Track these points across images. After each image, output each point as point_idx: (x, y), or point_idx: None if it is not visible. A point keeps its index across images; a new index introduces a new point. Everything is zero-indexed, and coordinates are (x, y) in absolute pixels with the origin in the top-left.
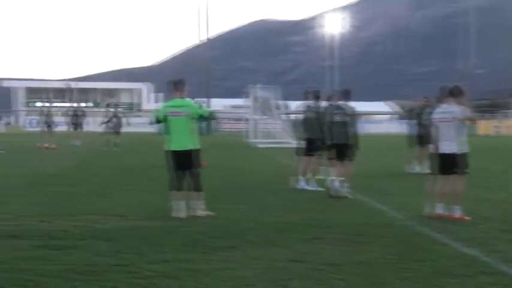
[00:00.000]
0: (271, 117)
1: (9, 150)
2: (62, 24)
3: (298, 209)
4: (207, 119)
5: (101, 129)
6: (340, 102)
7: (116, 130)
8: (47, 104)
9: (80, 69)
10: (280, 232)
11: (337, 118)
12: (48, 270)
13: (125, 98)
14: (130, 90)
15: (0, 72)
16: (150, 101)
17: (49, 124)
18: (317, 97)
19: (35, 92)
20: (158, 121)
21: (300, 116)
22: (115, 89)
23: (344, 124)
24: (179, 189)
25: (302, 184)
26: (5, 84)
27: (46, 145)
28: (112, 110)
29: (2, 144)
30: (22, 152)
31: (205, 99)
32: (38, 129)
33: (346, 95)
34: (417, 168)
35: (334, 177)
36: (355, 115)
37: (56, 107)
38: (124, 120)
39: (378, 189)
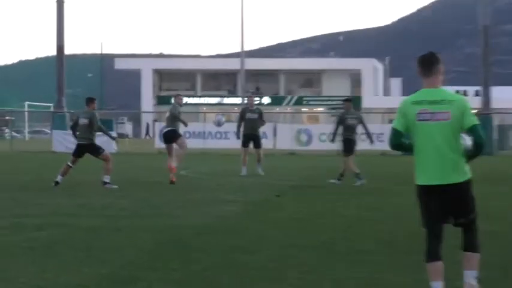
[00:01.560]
0: None
1: (128, 184)
2: None
3: None
4: (478, 143)
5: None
6: None
7: (348, 148)
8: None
9: (249, 40)
10: None
11: None
12: None
13: (331, 87)
14: (340, 73)
15: (110, 47)
16: (378, 91)
17: (169, 133)
18: None
19: (171, 78)
20: (397, 139)
21: None
22: (312, 71)
23: None
24: (438, 257)
25: None
26: (119, 65)
27: (173, 178)
28: (342, 110)
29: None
30: (147, 186)
31: (474, 89)
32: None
33: None
34: None
35: None
36: None
37: (207, 104)
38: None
39: None
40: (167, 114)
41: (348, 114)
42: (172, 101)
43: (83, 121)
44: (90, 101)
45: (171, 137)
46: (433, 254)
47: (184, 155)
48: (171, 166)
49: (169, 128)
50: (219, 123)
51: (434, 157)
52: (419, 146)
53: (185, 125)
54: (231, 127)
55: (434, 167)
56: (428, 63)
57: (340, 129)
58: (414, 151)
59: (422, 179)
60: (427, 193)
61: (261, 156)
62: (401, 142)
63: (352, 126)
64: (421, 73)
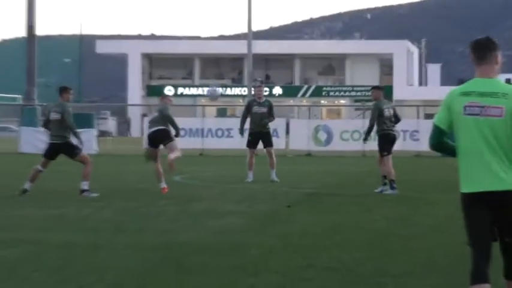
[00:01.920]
0: None
1: (110, 192)
2: None
3: None
4: None
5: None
6: None
7: (387, 146)
8: (171, 90)
9: (258, 18)
10: None
11: None
12: None
13: (356, 75)
14: (367, 58)
15: (91, 27)
16: (413, 79)
17: (157, 133)
18: None
19: (163, 64)
20: (438, 137)
21: None
22: (333, 56)
23: None
24: (485, 279)
25: None
26: (101, 48)
27: (164, 187)
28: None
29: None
30: (134, 194)
31: None
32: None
33: None
34: None
35: None
36: None
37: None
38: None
39: None
40: (155, 114)
41: (383, 104)
42: (167, 91)
43: (55, 116)
44: (63, 90)
45: (159, 137)
46: (479, 276)
47: (177, 159)
48: (159, 169)
49: (157, 127)
50: (214, 95)
51: (483, 159)
52: (465, 145)
53: (177, 132)
54: (236, 123)
55: (483, 171)
56: (482, 49)
57: (376, 123)
58: (458, 152)
59: (468, 186)
60: (474, 203)
61: (273, 158)
62: (442, 141)
63: (390, 118)
64: (473, 60)
